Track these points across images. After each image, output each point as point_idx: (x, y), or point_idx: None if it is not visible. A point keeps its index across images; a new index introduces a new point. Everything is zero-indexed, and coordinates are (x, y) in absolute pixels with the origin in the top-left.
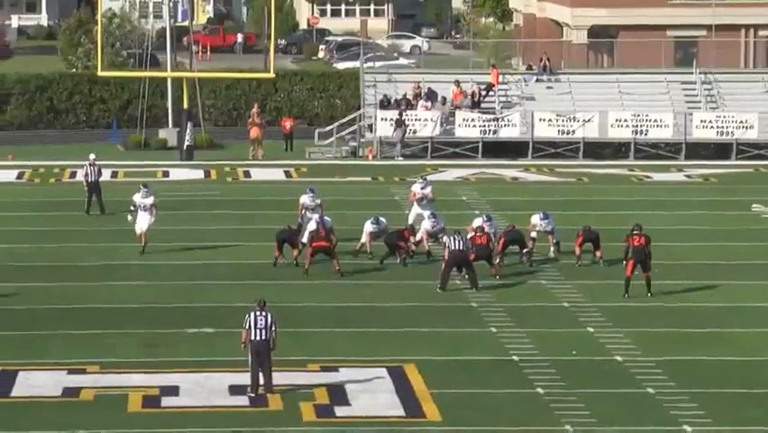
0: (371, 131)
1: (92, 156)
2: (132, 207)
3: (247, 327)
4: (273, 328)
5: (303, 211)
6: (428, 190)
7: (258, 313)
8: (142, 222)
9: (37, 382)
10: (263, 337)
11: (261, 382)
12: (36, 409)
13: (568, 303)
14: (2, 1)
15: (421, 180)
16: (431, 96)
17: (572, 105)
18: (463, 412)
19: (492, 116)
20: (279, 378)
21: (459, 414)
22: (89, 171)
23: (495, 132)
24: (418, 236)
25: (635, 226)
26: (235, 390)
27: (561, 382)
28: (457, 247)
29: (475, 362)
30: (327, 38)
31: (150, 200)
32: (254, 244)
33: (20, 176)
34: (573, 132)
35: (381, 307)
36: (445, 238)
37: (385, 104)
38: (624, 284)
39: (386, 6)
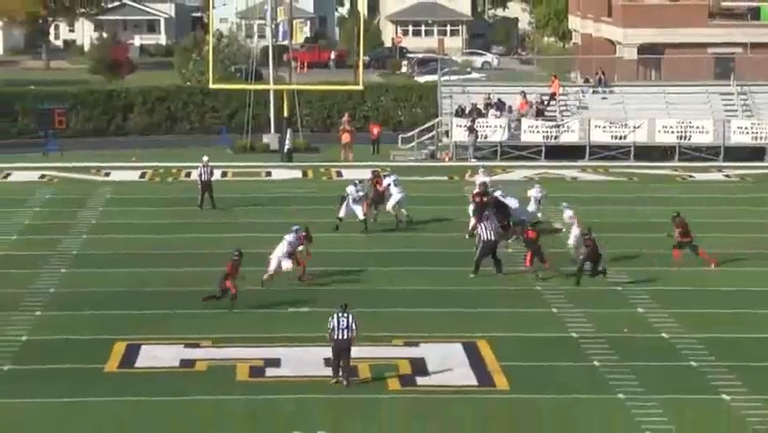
0: (448, 136)
1: (205, 158)
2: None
3: (331, 327)
4: (354, 328)
5: (347, 198)
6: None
7: (340, 315)
8: (359, 211)
9: (158, 355)
10: (345, 337)
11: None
12: (157, 378)
13: (621, 287)
14: (126, 23)
15: (482, 170)
16: (500, 105)
17: (624, 113)
18: (529, 382)
19: (554, 123)
20: (368, 352)
21: (525, 384)
22: (202, 172)
23: (556, 137)
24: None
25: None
26: (329, 362)
27: (614, 356)
28: (489, 237)
29: (539, 338)
30: (409, 55)
31: (362, 193)
32: (345, 234)
33: (142, 175)
34: (625, 137)
35: (457, 290)
36: (479, 228)
37: (459, 112)
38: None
39: (460, 27)
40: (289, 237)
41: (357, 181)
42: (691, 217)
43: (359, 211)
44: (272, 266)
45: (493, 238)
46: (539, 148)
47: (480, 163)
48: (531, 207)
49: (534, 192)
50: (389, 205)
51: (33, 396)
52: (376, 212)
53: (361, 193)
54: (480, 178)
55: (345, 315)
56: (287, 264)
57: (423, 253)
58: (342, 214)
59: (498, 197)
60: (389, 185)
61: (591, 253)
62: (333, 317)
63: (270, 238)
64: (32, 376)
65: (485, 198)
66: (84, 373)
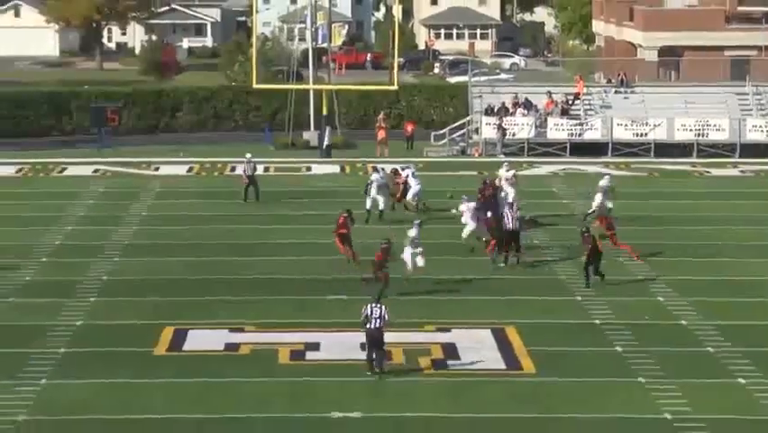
0: (477, 133)
1: (248, 155)
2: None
3: (364, 316)
4: (386, 318)
5: (371, 184)
6: (511, 174)
7: (373, 305)
8: (380, 201)
9: (204, 339)
10: (376, 326)
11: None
12: (203, 361)
13: (643, 276)
14: (175, 27)
15: (506, 164)
16: (527, 104)
17: (645, 112)
18: (554, 366)
19: (578, 121)
20: (402, 336)
21: (550, 368)
22: (246, 167)
23: (580, 134)
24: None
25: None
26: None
27: (635, 342)
28: (513, 227)
29: (564, 324)
30: (441, 57)
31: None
32: (384, 226)
33: (189, 170)
34: (646, 134)
35: (486, 279)
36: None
37: (488, 111)
38: None
39: (490, 31)
40: (413, 232)
41: (381, 168)
42: (709, 211)
43: (380, 201)
44: (410, 265)
45: (516, 228)
46: (564, 145)
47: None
48: (599, 198)
49: (603, 183)
50: (409, 196)
51: (87, 378)
52: (392, 203)
53: (382, 181)
54: (504, 172)
55: (378, 306)
56: (420, 262)
57: (453, 244)
58: (368, 205)
59: (411, 177)
60: (408, 176)
61: (592, 251)
62: (366, 307)
63: (309, 230)
64: (85, 359)
65: (487, 193)
66: (135, 357)
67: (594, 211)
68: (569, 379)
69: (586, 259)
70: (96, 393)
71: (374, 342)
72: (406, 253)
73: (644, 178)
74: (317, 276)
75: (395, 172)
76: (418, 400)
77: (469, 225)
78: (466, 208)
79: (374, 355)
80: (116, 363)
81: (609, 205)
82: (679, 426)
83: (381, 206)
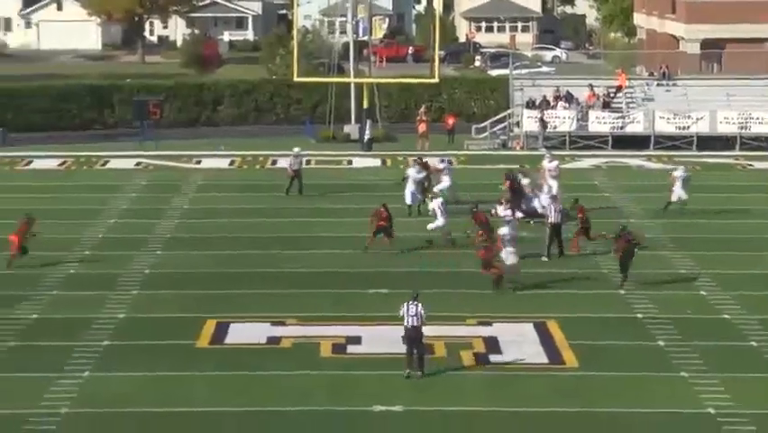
0: (519, 126)
1: (296, 149)
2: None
3: (401, 314)
4: (422, 315)
5: (406, 180)
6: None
7: (410, 303)
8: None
9: (246, 332)
10: (414, 324)
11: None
12: (244, 354)
13: (685, 270)
14: (216, 20)
15: (548, 156)
16: (568, 97)
17: (687, 105)
18: (597, 360)
19: (620, 115)
20: (443, 330)
21: (593, 362)
22: (293, 162)
23: (622, 127)
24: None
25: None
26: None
27: (678, 336)
28: (555, 220)
29: (606, 319)
30: (482, 50)
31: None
32: (424, 219)
33: (231, 163)
34: (688, 127)
35: (527, 273)
36: (547, 211)
37: (530, 104)
38: None
39: (531, 23)
40: (505, 230)
41: (416, 161)
42: (752, 204)
43: (418, 196)
44: (510, 260)
45: (559, 221)
46: (606, 138)
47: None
48: (677, 189)
49: (678, 173)
50: (437, 188)
51: (130, 370)
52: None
53: (421, 175)
54: (547, 163)
55: (415, 303)
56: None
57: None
58: (408, 201)
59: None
60: (444, 169)
61: (625, 250)
62: (403, 305)
63: (350, 223)
64: (128, 352)
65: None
66: (177, 349)
67: (674, 202)
68: (611, 373)
69: (622, 257)
70: (138, 386)
71: (412, 341)
72: (508, 252)
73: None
74: (359, 269)
75: (421, 163)
76: (460, 394)
77: (438, 220)
78: (437, 205)
79: (414, 354)
80: (159, 356)
81: (684, 196)
82: (722, 420)
83: (416, 200)
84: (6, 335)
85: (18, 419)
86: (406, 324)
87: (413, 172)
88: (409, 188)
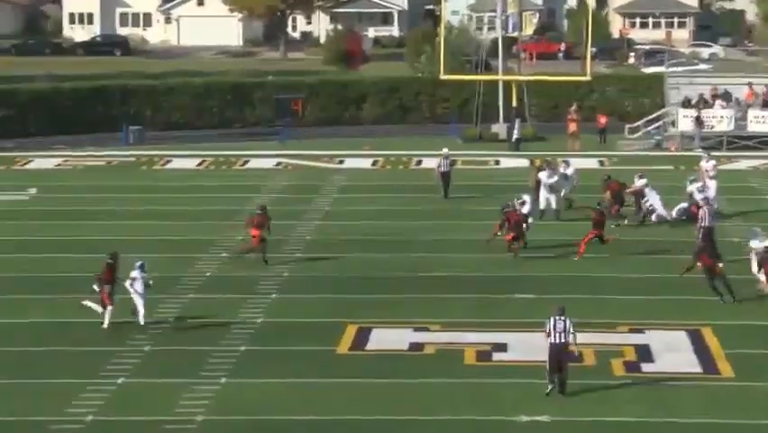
0: (674, 126)
1: (445, 150)
2: None
3: (547, 330)
4: (571, 331)
5: (537, 182)
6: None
7: (557, 318)
8: (552, 200)
9: (388, 338)
10: (561, 341)
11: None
12: (386, 360)
13: None
14: (361, 15)
15: (705, 156)
16: (726, 96)
17: None
18: (755, 370)
19: None
20: (594, 337)
21: (750, 372)
22: (442, 163)
23: None
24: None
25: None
26: None
27: None
28: (706, 223)
29: (765, 327)
30: (636, 46)
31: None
32: (570, 222)
33: (374, 163)
34: None
35: (679, 278)
36: (699, 214)
37: (686, 103)
38: None
39: (687, 19)
40: (756, 242)
41: (547, 163)
42: None
43: (552, 200)
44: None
45: (711, 224)
46: (765, 138)
47: (703, 155)
48: None
49: None
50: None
51: (269, 376)
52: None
53: (552, 180)
54: (705, 163)
55: (562, 318)
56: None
57: (645, 241)
58: (542, 205)
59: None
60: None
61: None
62: (549, 320)
63: (494, 226)
64: (267, 357)
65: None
66: (317, 355)
67: None
68: None
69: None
70: (276, 393)
71: (557, 360)
72: (754, 266)
73: None
74: (504, 273)
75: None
76: (610, 404)
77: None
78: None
79: (556, 371)
80: (298, 362)
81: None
82: None
83: (554, 205)
84: (143, 339)
85: (153, 426)
86: (552, 341)
87: (544, 176)
88: (543, 193)
